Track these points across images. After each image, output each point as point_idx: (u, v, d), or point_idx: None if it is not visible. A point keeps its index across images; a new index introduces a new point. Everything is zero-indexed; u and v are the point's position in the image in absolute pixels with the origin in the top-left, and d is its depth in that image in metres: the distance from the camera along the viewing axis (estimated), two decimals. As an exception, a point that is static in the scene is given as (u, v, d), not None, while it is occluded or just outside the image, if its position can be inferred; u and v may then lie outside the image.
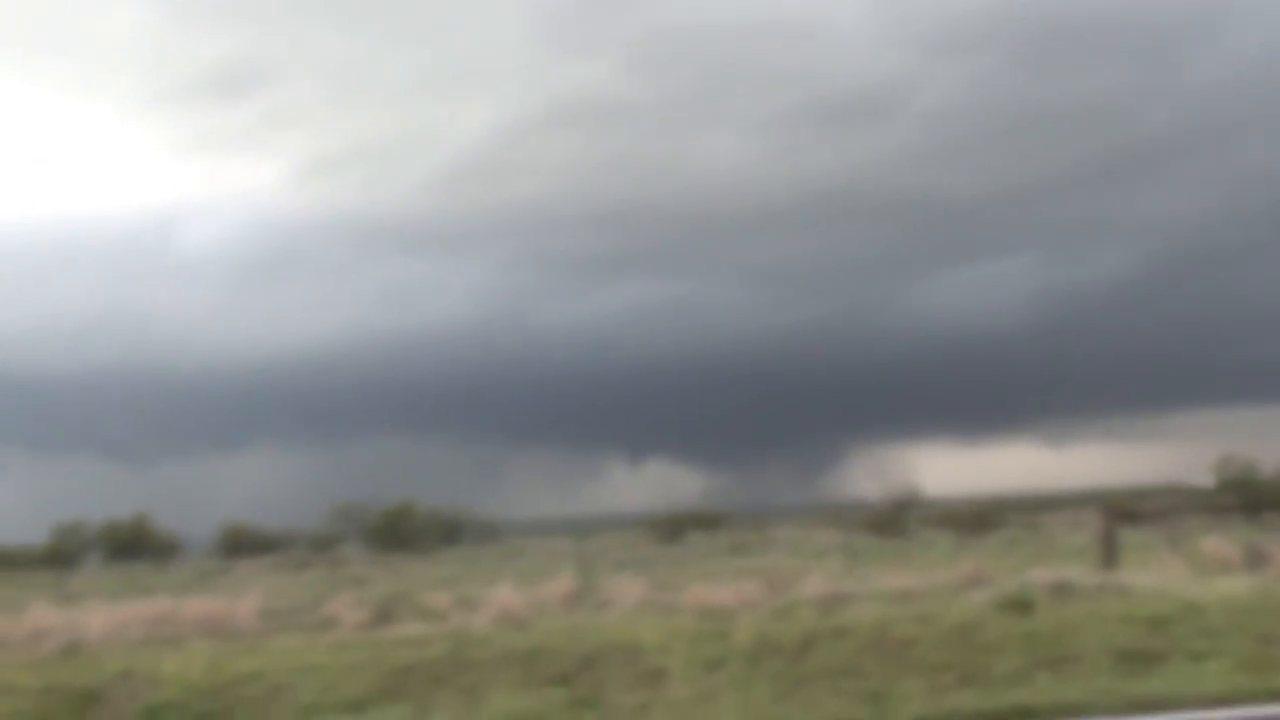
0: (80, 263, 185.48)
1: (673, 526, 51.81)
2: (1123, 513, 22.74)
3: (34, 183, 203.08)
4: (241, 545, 51.56)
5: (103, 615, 16.65)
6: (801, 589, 16.18)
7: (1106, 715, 9.25)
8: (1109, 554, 17.12)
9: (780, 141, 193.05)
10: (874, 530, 44.09)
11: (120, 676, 12.13)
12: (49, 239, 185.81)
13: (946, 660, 11.19)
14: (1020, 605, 13.45)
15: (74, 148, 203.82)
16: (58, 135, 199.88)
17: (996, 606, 13.52)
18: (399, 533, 50.94)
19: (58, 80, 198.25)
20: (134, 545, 51.43)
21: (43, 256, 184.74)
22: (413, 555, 44.94)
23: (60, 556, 49.36)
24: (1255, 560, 16.34)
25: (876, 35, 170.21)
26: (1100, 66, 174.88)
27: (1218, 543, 19.21)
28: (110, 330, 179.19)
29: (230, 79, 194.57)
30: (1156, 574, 15.33)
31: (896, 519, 45.95)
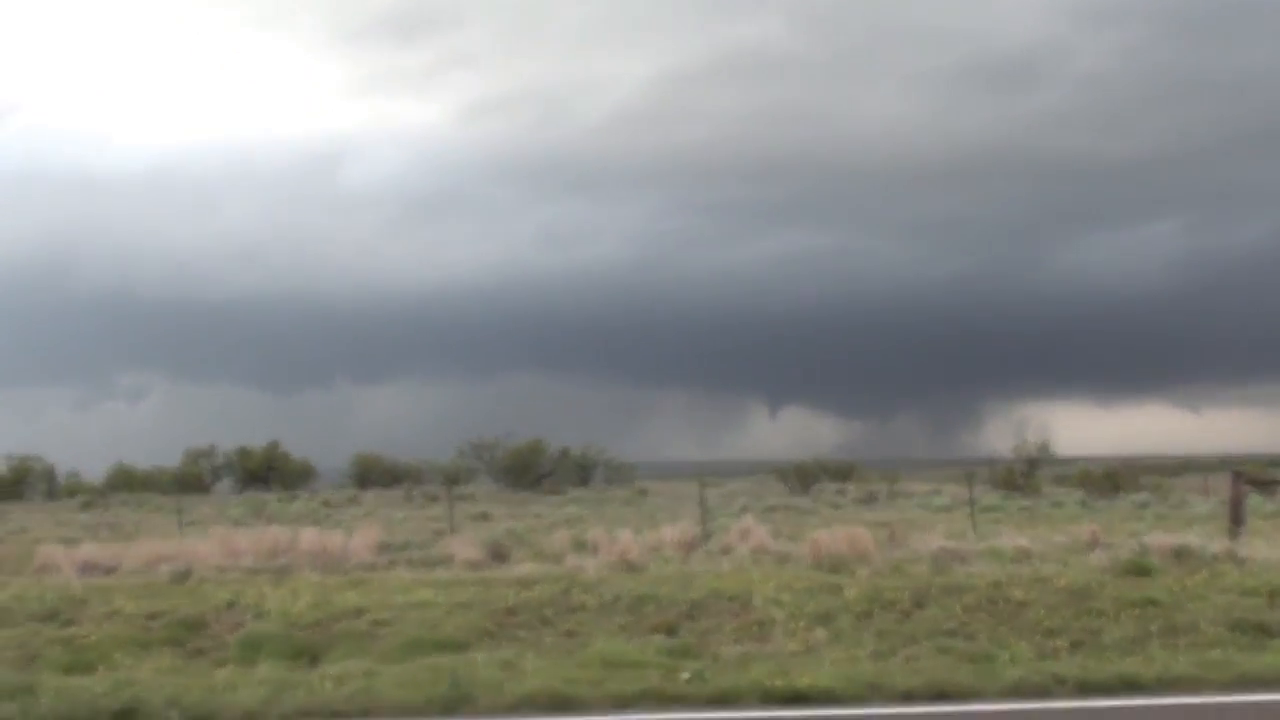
0: (249, 190, 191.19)
1: (803, 475, 51.64)
2: (1254, 480, 22.07)
3: (212, 111, 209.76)
4: (372, 476, 52.56)
5: (218, 543, 17.19)
6: (920, 544, 16.07)
7: (1216, 690, 9.06)
8: (1236, 522, 16.66)
9: (939, 100, 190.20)
10: (1003, 487, 43.41)
11: (225, 606, 12.52)
12: (221, 165, 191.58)
13: (1057, 624, 11.06)
14: (1139, 570, 13.22)
15: (253, 80, 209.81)
16: (240, 67, 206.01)
17: (1114, 571, 13.31)
18: (529, 471, 51.60)
19: (245, 15, 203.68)
20: (266, 472, 52.66)
21: (213, 182, 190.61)
22: (541, 494, 45.55)
23: (191, 481, 50.63)
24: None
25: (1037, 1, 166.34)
26: (1252, 40, 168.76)
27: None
28: (270, 257, 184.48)
29: (407, 21, 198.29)
30: (1284, 545, 14.89)
31: (1026, 477, 45.13)
